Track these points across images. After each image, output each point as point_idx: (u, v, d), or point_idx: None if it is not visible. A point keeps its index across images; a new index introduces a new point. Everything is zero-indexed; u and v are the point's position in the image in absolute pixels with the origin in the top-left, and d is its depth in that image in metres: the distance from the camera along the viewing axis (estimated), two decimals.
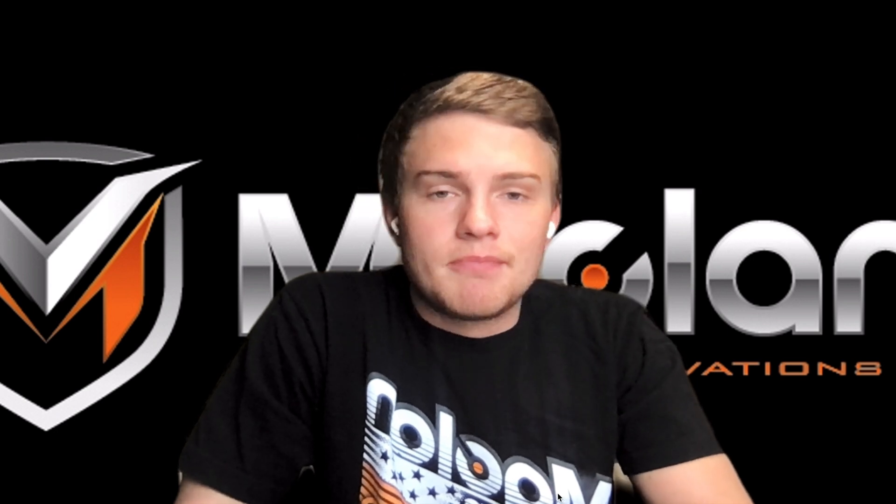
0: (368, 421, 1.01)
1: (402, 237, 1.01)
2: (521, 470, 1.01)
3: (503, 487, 1.00)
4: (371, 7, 1.98)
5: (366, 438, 1.01)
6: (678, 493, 1.01)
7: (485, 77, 0.98)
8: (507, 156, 0.95)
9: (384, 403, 1.01)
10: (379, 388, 1.01)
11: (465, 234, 0.94)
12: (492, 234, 0.95)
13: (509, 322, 1.05)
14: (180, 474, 1.04)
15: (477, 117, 0.96)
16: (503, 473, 1.01)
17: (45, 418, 1.98)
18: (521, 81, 1.00)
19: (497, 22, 1.97)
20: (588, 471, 1.03)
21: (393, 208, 1.02)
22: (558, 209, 1.07)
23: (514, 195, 0.96)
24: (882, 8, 1.97)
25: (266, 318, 1.05)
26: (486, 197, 0.95)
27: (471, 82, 0.97)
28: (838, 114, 1.99)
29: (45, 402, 1.98)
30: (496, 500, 1.00)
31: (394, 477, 1.00)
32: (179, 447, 1.04)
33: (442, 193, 0.96)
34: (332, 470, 1.03)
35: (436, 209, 0.96)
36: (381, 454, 1.00)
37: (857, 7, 1.97)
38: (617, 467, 1.09)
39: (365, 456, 1.01)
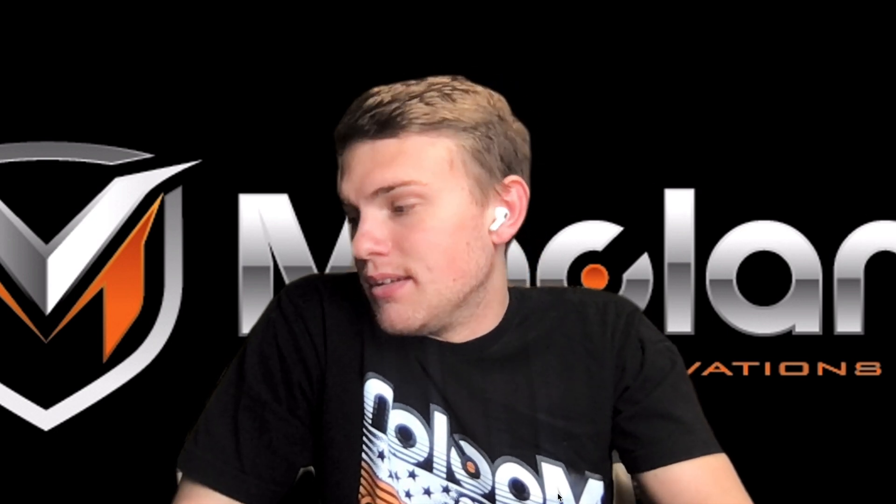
0: (366, 420, 1.01)
1: None
2: (510, 470, 1.01)
3: (493, 487, 1.01)
4: (370, 8, 1.98)
5: (363, 438, 1.01)
6: (685, 492, 1.01)
7: (374, 94, 0.98)
8: (377, 171, 0.95)
9: (381, 403, 1.01)
10: (376, 388, 1.01)
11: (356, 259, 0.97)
12: (377, 254, 0.96)
13: (487, 323, 1.04)
14: (179, 474, 1.05)
15: (359, 141, 0.97)
16: (493, 474, 1.01)
17: (45, 418, 1.99)
18: (425, 80, 0.98)
19: (497, 23, 1.97)
20: (577, 469, 1.03)
21: None
22: (515, 190, 1.01)
23: (401, 207, 0.96)
24: (882, 8, 1.97)
25: (264, 319, 1.05)
26: (372, 217, 0.96)
27: (357, 105, 0.98)
28: (838, 114, 1.99)
29: (45, 402, 1.99)
30: (488, 500, 1.01)
31: (390, 476, 1.00)
32: (179, 447, 1.04)
33: (353, 220, 0.99)
34: (330, 469, 1.03)
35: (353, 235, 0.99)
36: (377, 453, 1.00)
37: (857, 7, 1.97)
38: (619, 468, 1.09)
39: (363, 455, 1.01)
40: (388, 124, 0.95)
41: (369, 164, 0.96)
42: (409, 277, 0.96)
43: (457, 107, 0.97)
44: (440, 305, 0.98)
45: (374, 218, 0.96)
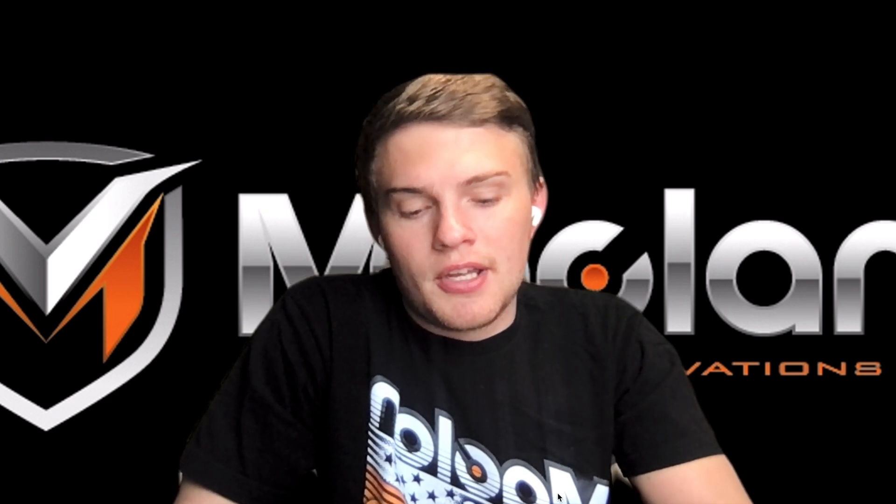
0: (372, 424, 1.00)
1: (387, 253, 1.01)
2: (518, 473, 1.01)
3: (501, 490, 1.00)
4: (370, 8, 1.98)
5: (369, 441, 1.01)
6: (677, 494, 1.01)
7: (435, 80, 0.95)
8: (469, 159, 0.93)
9: (388, 407, 1.01)
10: (383, 392, 1.01)
11: (441, 246, 0.93)
12: (467, 241, 0.93)
13: (506, 321, 1.05)
14: (180, 475, 1.04)
15: (432, 125, 0.93)
16: (501, 476, 1.01)
17: (45, 418, 1.98)
18: (475, 76, 0.97)
19: (498, 23, 1.96)
20: (585, 474, 1.03)
21: (376, 225, 1.02)
22: (543, 192, 1.05)
23: (488, 198, 0.95)
24: (882, 8, 1.97)
25: (269, 321, 1.04)
26: (455, 205, 0.93)
27: (421, 89, 0.94)
28: (838, 114, 1.99)
29: (45, 402, 1.99)
30: (494, 503, 1.00)
31: (397, 480, 1.00)
32: (179, 447, 1.04)
33: (409, 212, 0.95)
34: (336, 472, 1.02)
35: (410, 225, 0.95)
36: (384, 457, 1.00)
37: (857, 7, 1.97)
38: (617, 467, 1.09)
39: (368, 458, 1.01)
40: (470, 112, 0.93)
41: (456, 151, 0.93)
42: (488, 268, 0.95)
43: (519, 105, 0.99)
44: (508, 297, 0.99)
45: (459, 205, 0.94)
